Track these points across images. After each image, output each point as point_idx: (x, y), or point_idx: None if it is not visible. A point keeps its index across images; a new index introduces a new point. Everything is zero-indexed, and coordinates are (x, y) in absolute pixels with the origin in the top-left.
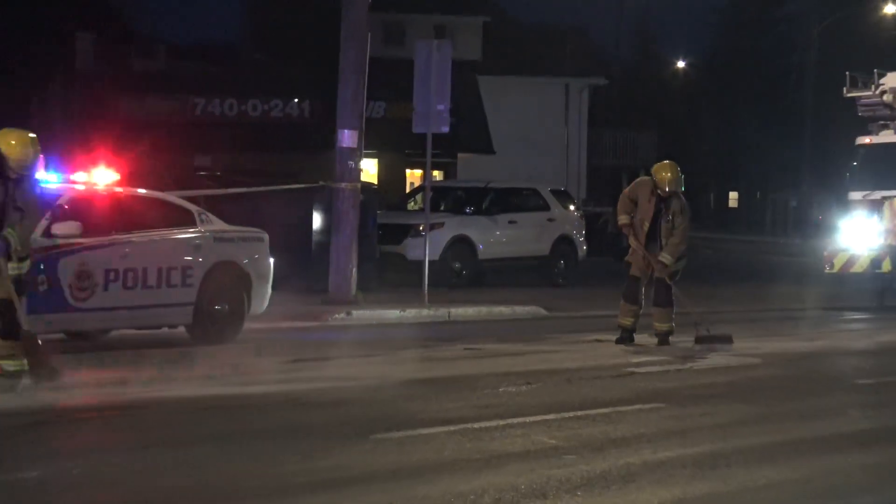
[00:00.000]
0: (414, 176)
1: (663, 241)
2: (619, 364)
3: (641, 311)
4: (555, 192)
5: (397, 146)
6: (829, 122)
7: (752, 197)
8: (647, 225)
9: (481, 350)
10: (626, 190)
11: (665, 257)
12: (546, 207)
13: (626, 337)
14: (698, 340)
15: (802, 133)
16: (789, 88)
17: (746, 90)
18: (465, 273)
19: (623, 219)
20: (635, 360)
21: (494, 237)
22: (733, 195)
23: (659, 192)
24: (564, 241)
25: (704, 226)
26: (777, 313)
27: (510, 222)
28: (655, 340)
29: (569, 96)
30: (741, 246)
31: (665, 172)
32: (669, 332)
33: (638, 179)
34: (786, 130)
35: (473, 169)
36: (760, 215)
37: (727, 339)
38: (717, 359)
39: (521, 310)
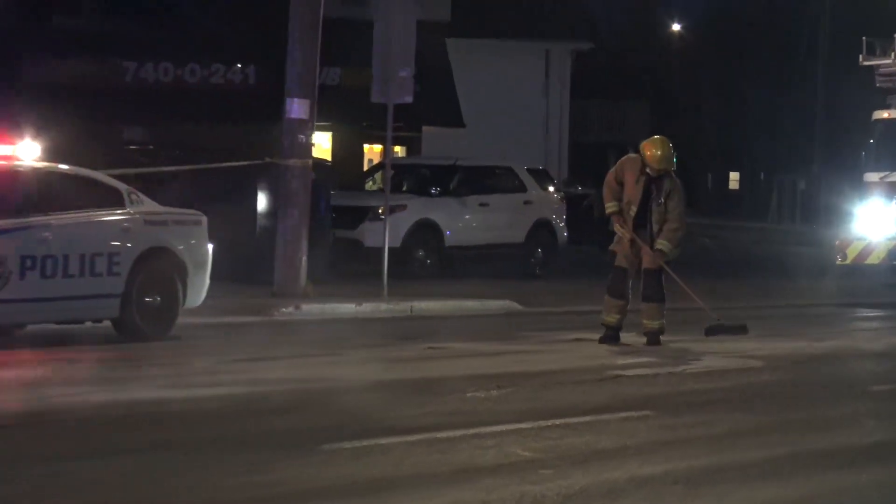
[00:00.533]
0: (373, 152)
1: (654, 228)
2: (603, 366)
3: (629, 307)
4: (532, 172)
5: (354, 118)
6: (843, 94)
7: (755, 178)
8: (634, 209)
9: (447, 349)
10: (611, 171)
11: (662, 244)
12: (522, 188)
13: (610, 336)
14: (709, 332)
15: (813, 107)
16: (799, 56)
17: (751, 58)
18: (429, 262)
19: (611, 206)
20: (621, 361)
21: (463, 222)
22: (734, 176)
23: (648, 171)
24: (543, 227)
25: (701, 210)
26: (782, 310)
27: (481, 205)
28: (644, 340)
29: (549, 63)
30: (742, 233)
31: (654, 149)
32: (660, 331)
33: (624, 158)
34: (795, 104)
35: (440, 144)
36: (765, 199)
37: (741, 330)
38: (713, 361)
39: (492, 304)
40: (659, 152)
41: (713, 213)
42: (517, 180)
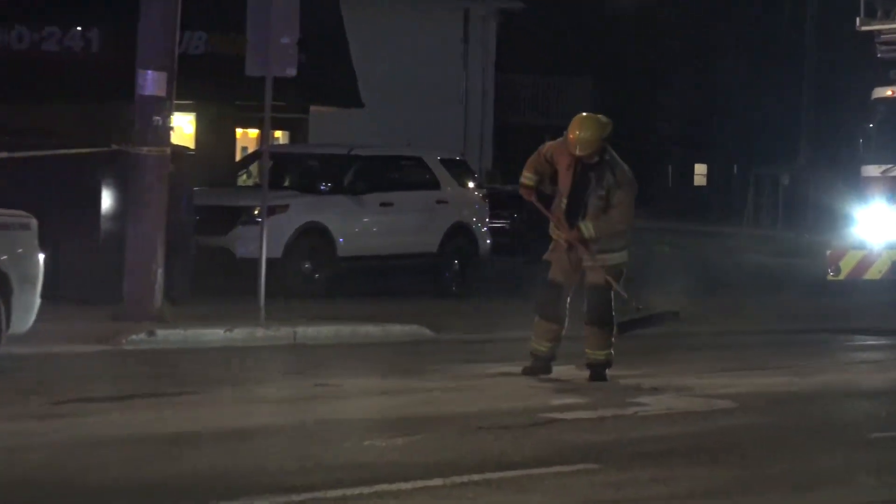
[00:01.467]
0: (248, 138)
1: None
2: (535, 408)
3: (565, 332)
4: (447, 163)
5: (224, 95)
6: (837, 67)
7: (727, 171)
8: (564, 202)
9: (340, 387)
10: (544, 146)
11: (586, 226)
12: (434, 184)
13: (538, 367)
14: (623, 328)
15: (799, 83)
16: (782, 20)
17: (724, 23)
18: (318, 277)
19: (527, 178)
20: (558, 402)
21: (361, 226)
22: (701, 169)
23: (580, 155)
24: (460, 232)
25: (660, 211)
26: (759, 336)
27: (383, 205)
28: (587, 374)
29: (469, 26)
30: (711, 240)
31: (576, 129)
32: (607, 363)
33: (561, 138)
34: (777, 80)
35: (332, 129)
36: (739, 197)
37: (669, 317)
38: (673, 401)
39: (397, 330)
40: (580, 133)
41: (675, 214)
42: (428, 174)
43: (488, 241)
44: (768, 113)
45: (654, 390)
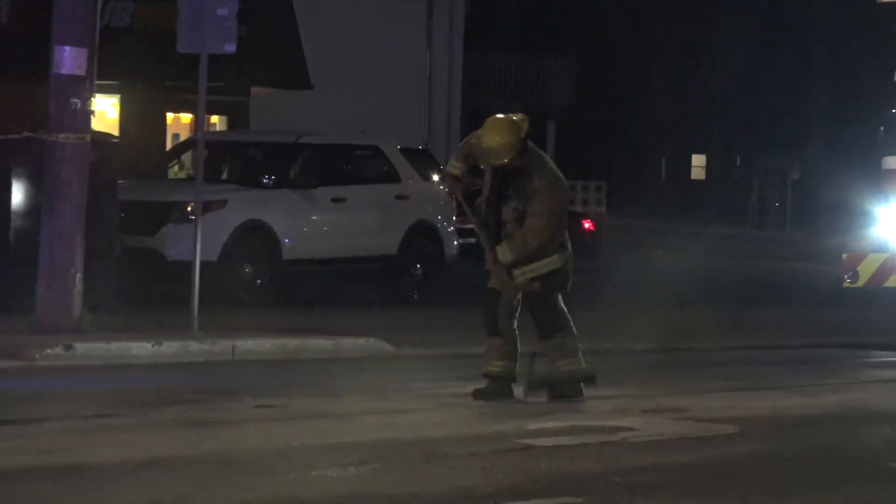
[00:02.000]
0: (180, 123)
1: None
2: (509, 432)
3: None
4: (408, 153)
5: (153, 75)
6: (853, 45)
7: (728, 164)
8: (483, 209)
9: (286, 408)
10: (474, 135)
11: (502, 250)
12: (394, 177)
13: (491, 390)
14: (530, 388)
15: (809, 64)
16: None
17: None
18: (260, 283)
19: (454, 167)
20: (534, 426)
21: (309, 225)
22: (699, 160)
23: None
24: (423, 232)
25: (652, 210)
26: (765, 353)
27: (335, 200)
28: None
29: None
30: (711, 242)
31: (487, 134)
32: (578, 376)
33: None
34: (785, 60)
35: (277, 114)
36: (742, 193)
37: (588, 381)
38: (666, 426)
39: (350, 344)
40: (492, 137)
41: (668, 213)
42: (387, 165)
43: (455, 243)
44: (775, 97)
45: (645, 413)
